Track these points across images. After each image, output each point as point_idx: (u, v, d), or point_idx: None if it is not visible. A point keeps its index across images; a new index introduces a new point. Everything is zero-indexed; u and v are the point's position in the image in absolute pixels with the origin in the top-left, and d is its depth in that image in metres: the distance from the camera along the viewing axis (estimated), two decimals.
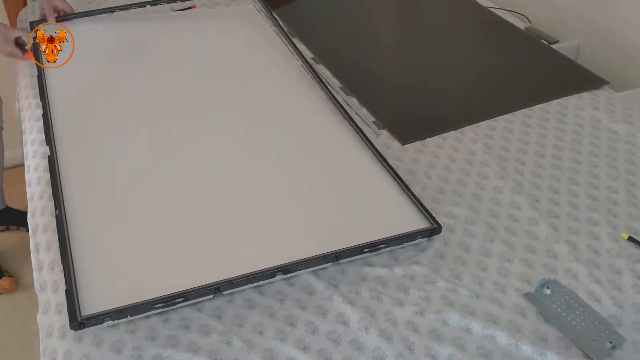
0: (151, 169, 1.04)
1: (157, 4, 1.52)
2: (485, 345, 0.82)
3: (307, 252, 0.88)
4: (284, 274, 0.86)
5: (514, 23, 1.62)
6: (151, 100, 1.21)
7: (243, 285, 0.85)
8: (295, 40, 1.47)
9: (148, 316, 0.82)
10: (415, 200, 0.99)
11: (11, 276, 1.73)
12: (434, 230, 0.94)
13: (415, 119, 1.28)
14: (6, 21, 1.92)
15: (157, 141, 1.10)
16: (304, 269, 0.88)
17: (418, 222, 0.96)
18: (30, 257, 0.95)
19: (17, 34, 1.30)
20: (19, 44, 1.30)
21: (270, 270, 0.85)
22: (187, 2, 1.57)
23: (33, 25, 1.40)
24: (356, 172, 1.06)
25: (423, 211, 0.97)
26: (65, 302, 0.80)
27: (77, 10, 1.47)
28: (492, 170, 1.11)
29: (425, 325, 0.84)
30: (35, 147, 1.12)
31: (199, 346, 0.79)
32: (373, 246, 0.91)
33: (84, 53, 1.31)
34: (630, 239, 0.98)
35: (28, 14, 1.52)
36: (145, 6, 1.50)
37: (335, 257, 0.89)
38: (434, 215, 0.97)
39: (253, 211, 0.97)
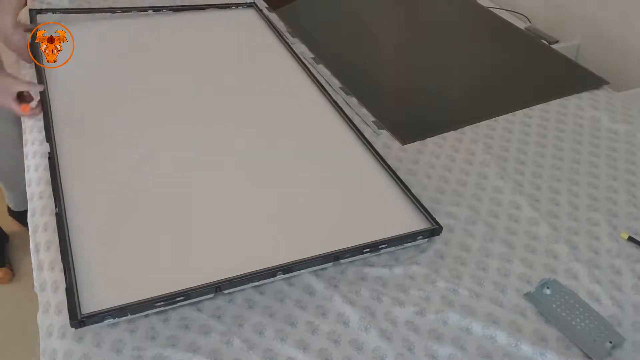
0: (151, 168, 1.04)
1: (159, 11, 1.51)
2: (485, 345, 0.82)
3: (308, 252, 0.88)
4: (284, 273, 0.86)
5: (514, 23, 1.62)
6: (150, 100, 1.21)
7: (244, 285, 0.85)
8: (295, 40, 1.47)
9: (148, 315, 0.82)
10: (415, 201, 0.99)
11: (10, 268, 1.72)
12: (434, 230, 0.94)
13: (415, 119, 1.28)
14: None
15: (157, 141, 1.10)
16: (305, 268, 0.88)
17: (418, 223, 0.96)
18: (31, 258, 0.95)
19: (21, 87, 1.13)
20: (22, 96, 1.15)
21: (271, 269, 0.85)
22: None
23: (33, 14, 1.40)
24: (356, 173, 1.06)
25: (423, 212, 0.97)
26: (65, 301, 0.80)
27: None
28: (492, 170, 1.11)
29: (425, 325, 0.84)
30: (36, 147, 1.12)
31: (199, 346, 0.79)
32: (374, 246, 0.91)
33: (84, 53, 1.31)
34: (630, 239, 0.98)
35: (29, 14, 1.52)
36: (147, 11, 1.50)
37: (335, 257, 0.89)
38: (434, 215, 0.97)
39: (253, 211, 0.97)
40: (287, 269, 0.86)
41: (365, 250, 0.91)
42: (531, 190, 1.07)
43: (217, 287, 0.83)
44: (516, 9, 1.71)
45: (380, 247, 0.91)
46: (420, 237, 0.94)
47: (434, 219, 0.96)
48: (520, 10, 1.71)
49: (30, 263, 0.94)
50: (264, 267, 0.85)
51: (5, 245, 1.76)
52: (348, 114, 1.20)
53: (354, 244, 0.90)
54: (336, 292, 0.87)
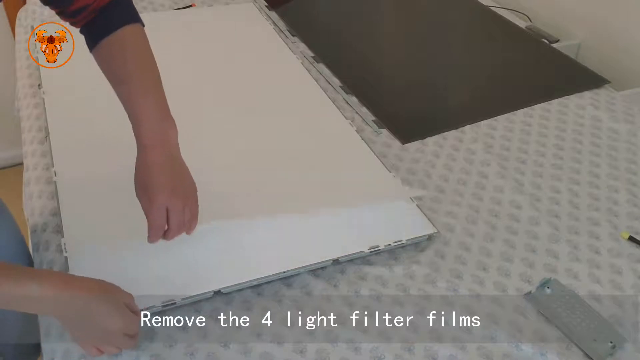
0: None
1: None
2: (485, 345, 0.81)
3: (308, 253, 0.88)
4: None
5: (515, 22, 1.61)
6: None
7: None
8: (295, 39, 1.47)
9: (146, 316, 0.82)
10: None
11: None
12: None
13: (416, 118, 1.27)
14: (6, 21, 1.90)
15: None
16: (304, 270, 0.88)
17: (418, 225, 0.96)
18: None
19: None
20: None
21: None
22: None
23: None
24: (355, 173, 1.06)
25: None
26: None
27: None
28: (492, 170, 1.10)
29: (425, 325, 0.83)
30: (34, 146, 1.11)
31: (197, 348, 0.79)
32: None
33: (84, 53, 1.31)
34: (631, 238, 0.97)
35: (28, 13, 1.52)
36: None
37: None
38: (435, 214, 0.96)
39: (253, 213, 0.96)
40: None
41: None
42: (532, 189, 1.07)
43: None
44: (517, 8, 1.70)
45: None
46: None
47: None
48: (521, 9, 1.70)
49: None
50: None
51: None
52: (348, 113, 1.20)
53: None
54: (335, 291, 0.87)
